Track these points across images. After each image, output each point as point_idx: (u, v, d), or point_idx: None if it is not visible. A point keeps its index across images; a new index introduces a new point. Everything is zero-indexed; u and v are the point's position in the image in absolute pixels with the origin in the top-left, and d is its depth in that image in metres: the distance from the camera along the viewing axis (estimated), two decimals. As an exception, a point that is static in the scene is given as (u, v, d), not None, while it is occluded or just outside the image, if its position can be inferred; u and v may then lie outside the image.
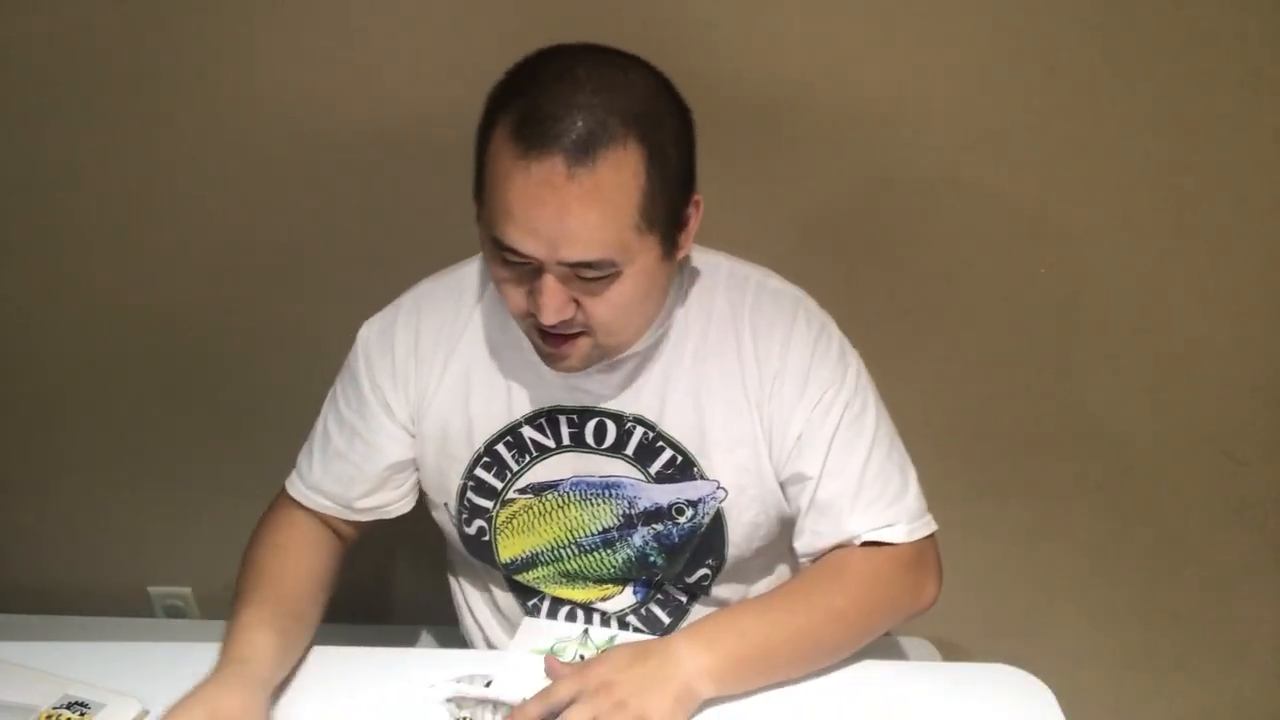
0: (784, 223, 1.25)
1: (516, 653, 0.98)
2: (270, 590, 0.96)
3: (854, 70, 1.17)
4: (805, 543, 0.97)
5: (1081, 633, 1.52)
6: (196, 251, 1.35)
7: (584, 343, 0.88)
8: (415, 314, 1.00)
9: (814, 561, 0.97)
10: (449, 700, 0.93)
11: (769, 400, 0.95)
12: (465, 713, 0.92)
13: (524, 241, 0.81)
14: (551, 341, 0.88)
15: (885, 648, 0.96)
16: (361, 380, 1.00)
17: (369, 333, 1.02)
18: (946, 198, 1.23)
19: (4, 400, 1.48)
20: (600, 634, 1.00)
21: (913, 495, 0.97)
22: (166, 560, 1.61)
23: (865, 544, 0.94)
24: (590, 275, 0.83)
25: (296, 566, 1.00)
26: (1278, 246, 1.23)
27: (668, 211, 0.84)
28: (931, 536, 0.97)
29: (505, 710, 0.91)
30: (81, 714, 0.88)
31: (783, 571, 1.09)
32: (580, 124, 0.78)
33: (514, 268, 0.84)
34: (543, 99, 0.79)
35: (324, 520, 1.04)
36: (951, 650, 1.44)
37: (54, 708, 0.89)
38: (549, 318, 0.83)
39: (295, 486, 1.04)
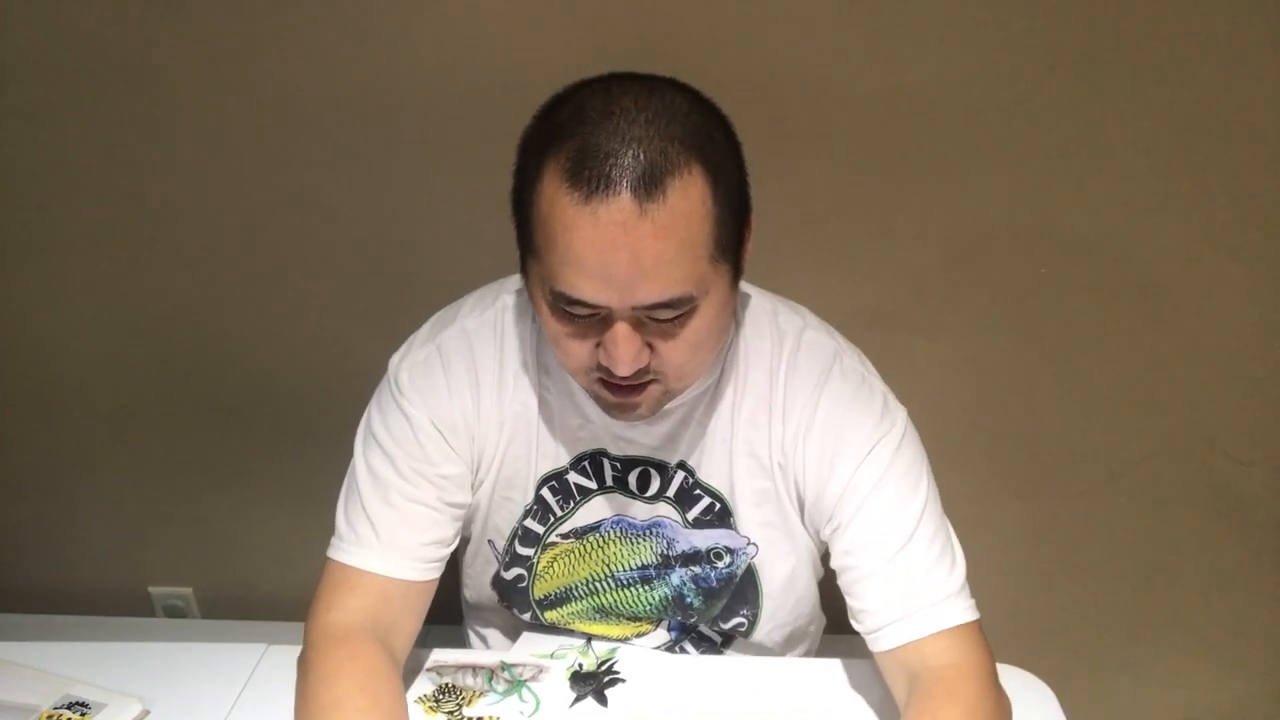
0: (781, 220, 1.25)
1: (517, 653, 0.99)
2: None
3: (850, 71, 1.17)
4: (885, 637, 0.88)
5: (1081, 633, 1.52)
6: (198, 251, 1.35)
7: (654, 390, 0.83)
8: (469, 360, 0.92)
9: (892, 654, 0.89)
10: (429, 669, 0.94)
11: (796, 456, 0.91)
12: (446, 679, 0.94)
13: (596, 291, 0.74)
14: (620, 394, 0.82)
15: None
16: (417, 421, 0.90)
17: (410, 376, 0.92)
18: (943, 197, 1.23)
19: (4, 400, 1.48)
20: (602, 645, 1.00)
21: (960, 565, 0.90)
22: (166, 560, 1.61)
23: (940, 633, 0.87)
24: (665, 316, 0.77)
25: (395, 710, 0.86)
26: (1278, 246, 1.23)
27: (735, 235, 0.79)
28: None
29: (485, 674, 0.93)
30: (82, 714, 0.88)
31: (810, 616, 1.04)
32: (642, 156, 0.72)
33: (578, 321, 0.78)
34: (594, 137, 0.73)
35: (380, 639, 0.89)
36: (951, 650, 1.44)
37: (55, 708, 0.89)
38: (625, 369, 0.77)
39: (359, 555, 0.89)
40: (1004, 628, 1.50)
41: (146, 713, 0.90)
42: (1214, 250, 1.24)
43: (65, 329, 1.42)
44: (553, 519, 0.97)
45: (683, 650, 1.04)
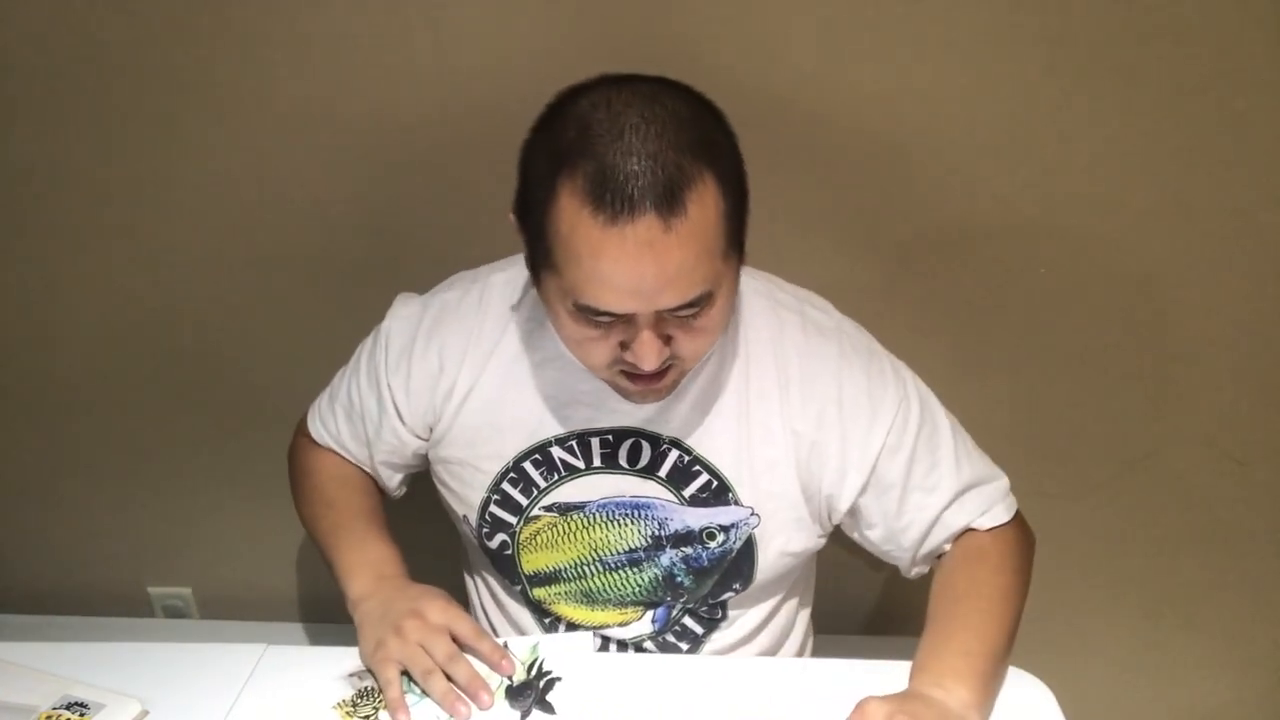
0: (782, 222, 1.25)
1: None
2: (357, 510, 1.04)
3: (849, 72, 1.17)
4: (920, 550, 0.99)
5: (1081, 633, 1.52)
6: (198, 252, 1.35)
7: (672, 374, 0.88)
8: (438, 332, 1.00)
9: (935, 556, 1.00)
10: (350, 675, 0.93)
11: (818, 433, 0.95)
12: (366, 682, 0.92)
13: (623, 303, 0.79)
14: (643, 382, 0.87)
15: (885, 647, 0.96)
16: (380, 371, 1.02)
17: (393, 324, 1.02)
18: (943, 197, 1.23)
19: (5, 400, 1.48)
20: (522, 647, 0.96)
21: (1001, 476, 1.02)
22: (166, 560, 1.61)
23: (979, 529, 0.98)
24: (687, 313, 0.81)
25: (367, 492, 1.08)
26: (1278, 246, 1.23)
27: (741, 227, 0.84)
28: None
29: (403, 677, 0.90)
30: (81, 714, 0.88)
31: (790, 586, 1.09)
32: (662, 173, 0.75)
33: (601, 326, 0.82)
34: (610, 157, 0.75)
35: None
36: (951, 650, 1.43)
37: (54, 708, 0.89)
38: (651, 364, 0.83)
39: (319, 433, 1.10)
40: (1004, 628, 1.51)
41: (146, 713, 0.90)
42: (1213, 250, 1.24)
43: (64, 328, 1.42)
44: (536, 491, 0.99)
45: (666, 641, 1.04)
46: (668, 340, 0.83)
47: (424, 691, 0.89)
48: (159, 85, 1.23)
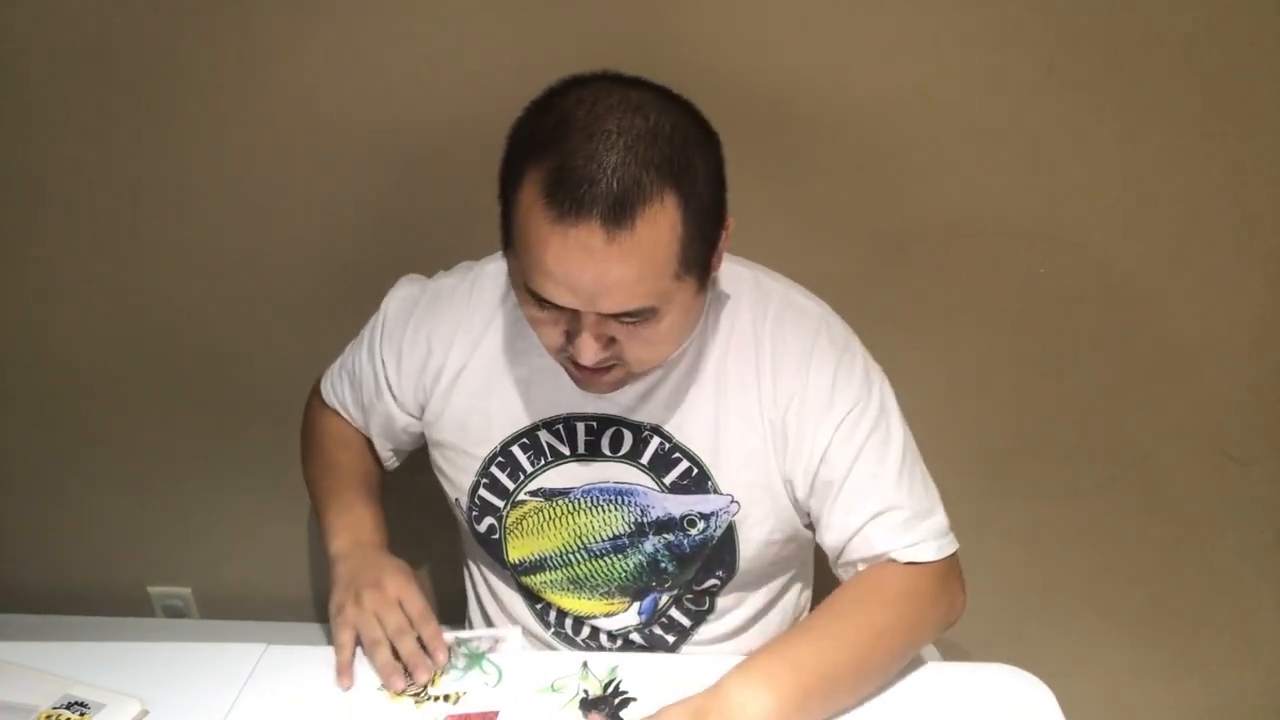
0: (781, 221, 1.25)
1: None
2: (351, 475, 1.09)
3: (849, 71, 1.17)
4: (839, 558, 0.97)
5: (1082, 633, 1.52)
6: (199, 252, 1.35)
7: (616, 372, 0.89)
8: (429, 316, 1.03)
9: (846, 576, 0.97)
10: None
11: (785, 418, 0.95)
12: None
13: (563, 297, 0.81)
14: (586, 373, 0.89)
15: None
16: (376, 347, 1.06)
17: (390, 304, 1.07)
18: (944, 198, 1.23)
19: (5, 400, 1.48)
20: (601, 666, 0.97)
21: (940, 513, 0.96)
22: (166, 560, 1.61)
23: (897, 560, 0.93)
24: (628, 320, 0.83)
25: (363, 457, 1.12)
26: (1278, 247, 1.23)
27: (703, 251, 0.84)
28: (955, 552, 0.96)
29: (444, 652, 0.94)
30: (81, 714, 0.88)
31: (785, 580, 1.09)
32: (615, 186, 0.76)
33: (549, 310, 0.84)
34: (573, 158, 0.77)
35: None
36: (951, 650, 1.44)
37: (54, 708, 0.89)
38: (587, 360, 0.85)
39: (328, 394, 1.15)
40: (1004, 628, 1.51)
41: (146, 713, 0.91)
42: (1212, 250, 1.24)
43: (65, 329, 1.42)
44: (522, 475, 1.00)
45: (652, 632, 1.05)
46: (611, 341, 0.85)
47: (368, 658, 0.94)
48: (162, 88, 1.23)
